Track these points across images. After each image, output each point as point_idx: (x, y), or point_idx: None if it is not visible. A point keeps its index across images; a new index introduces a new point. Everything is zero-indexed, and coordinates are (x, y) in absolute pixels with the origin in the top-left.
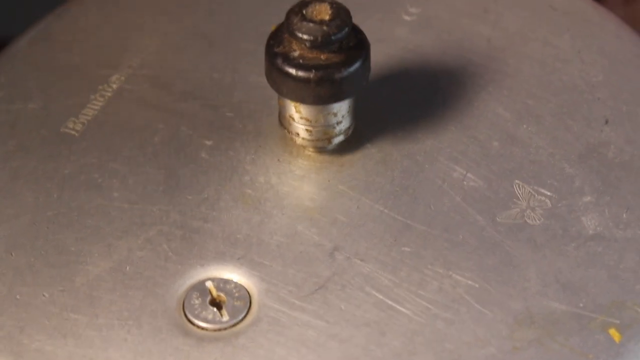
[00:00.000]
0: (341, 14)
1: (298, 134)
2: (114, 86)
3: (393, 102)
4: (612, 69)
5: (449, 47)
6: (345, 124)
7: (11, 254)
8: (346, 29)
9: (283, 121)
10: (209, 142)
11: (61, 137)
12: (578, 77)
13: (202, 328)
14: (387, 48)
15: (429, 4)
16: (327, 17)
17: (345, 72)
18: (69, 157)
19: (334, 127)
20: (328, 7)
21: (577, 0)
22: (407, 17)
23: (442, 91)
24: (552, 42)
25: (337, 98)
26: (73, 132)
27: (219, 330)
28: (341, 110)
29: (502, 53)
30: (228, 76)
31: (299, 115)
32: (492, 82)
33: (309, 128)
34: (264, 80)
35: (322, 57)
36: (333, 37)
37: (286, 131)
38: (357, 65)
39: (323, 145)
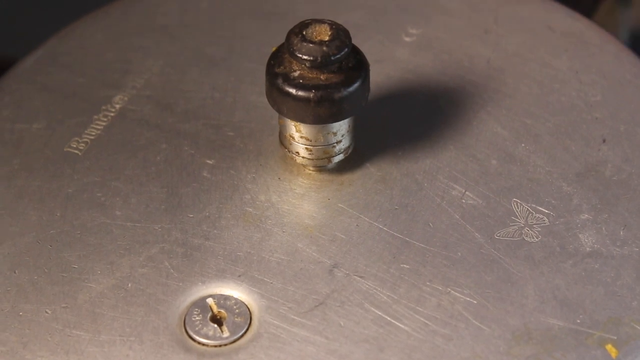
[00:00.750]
0: (341, 35)
1: (298, 153)
2: (117, 106)
3: (393, 121)
4: (610, 89)
5: (449, 68)
6: (345, 143)
7: (14, 272)
8: (346, 50)
9: (283, 140)
10: (210, 161)
11: (65, 157)
12: (576, 97)
13: (203, 344)
14: (387, 68)
15: (429, 25)
16: (326, 38)
17: (345, 92)
18: (72, 176)
19: (334, 147)
20: (328, 28)
21: (575, 21)
22: (407, 38)
23: (441, 111)
24: (551, 62)
25: (337, 118)
26: (76, 152)
27: (220, 346)
28: (341, 129)
29: (501, 73)
30: (229, 96)
31: (299, 134)
32: (491, 101)
33: (309, 147)
34: (264, 100)
35: (321, 77)
36: (332, 58)
37: (286, 150)
38: (356, 85)
39: (323, 164)
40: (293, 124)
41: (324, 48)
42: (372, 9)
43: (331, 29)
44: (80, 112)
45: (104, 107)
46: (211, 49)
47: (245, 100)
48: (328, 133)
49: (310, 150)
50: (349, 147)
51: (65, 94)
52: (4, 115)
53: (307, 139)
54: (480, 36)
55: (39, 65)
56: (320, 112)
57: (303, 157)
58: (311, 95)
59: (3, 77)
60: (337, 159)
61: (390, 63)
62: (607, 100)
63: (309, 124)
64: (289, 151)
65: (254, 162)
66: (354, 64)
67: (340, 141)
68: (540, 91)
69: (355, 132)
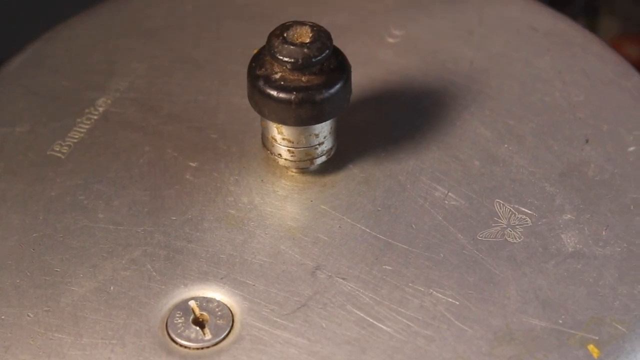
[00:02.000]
0: (322, 37)
1: (280, 155)
2: (101, 109)
3: (376, 123)
4: (592, 88)
5: (432, 69)
6: (327, 144)
7: None
8: (327, 52)
9: (266, 142)
10: (193, 164)
11: (48, 160)
12: (559, 97)
13: (185, 347)
14: (370, 70)
15: (412, 26)
16: (307, 40)
17: (326, 94)
18: (55, 179)
19: (316, 148)
20: (309, 30)
21: (558, 21)
22: (390, 40)
23: (424, 112)
24: (534, 62)
25: (318, 119)
26: (59, 155)
27: (202, 348)
28: (323, 131)
29: (485, 74)
30: (213, 99)
31: (281, 136)
32: (474, 102)
33: (291, 149)
34: (248, 102)
35: (303, 79)
36: (314, 60)
37: (269, 152)
38: (337, 86)
39: (305, 166)
40: (275, 126)
41: (305, 50)
42: (356, 11)
43: (312, 30)
44: (63, 115)
45: (87, 110)
46: (196, 52)
47: (229, 103)
48: (310, 135)
49: (293, 153)
50: (331, 148)
51: (49, 96)
52: None
53: (289, 141)
54: (464, 37)
55: (24, 68)
56: (302, 113)
57: (285, 159)
58: (292, 97)
59: None
60: (320, 160)
61: (373, 64)
62: (590, 100)
63: (291, 125)
64: (272, 153)
65: (237, 165)
66: (336, 66)
67: (323, 143)
68: (523, 91)
69: (338, 134)
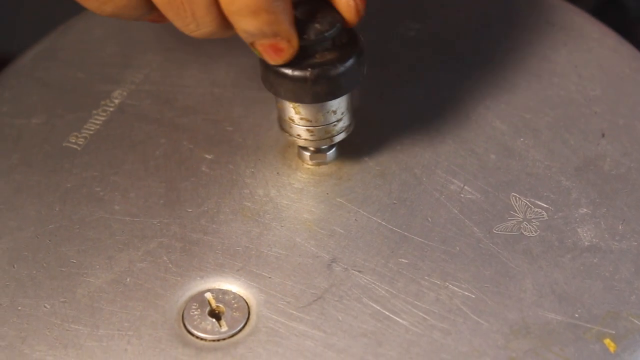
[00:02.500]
0: (331, 12)
1: (299, 135)
2: (116, 101)
3: (391, 116)
4: (609, 83)
5: (448, 62)
6: (345, 121)
7: (13, 266)
8: (338, 25)
9: (283, 124)
10: (209, 156)
11: (64, 152)
12: (575, 91)
13: (201, 338)
14: (386, 63)
15: (428, 19)
16: (318, 16)
17: (341, 68)
18: (71, 170)
19: (335, 125)
20: (318, 6)
21: (575, 15)
22: (407, 33)
23: (440, 105)
24: (550, 56)
25: (335, 94)
26: (75, 147)
27: (218, 340)
28: (340, 107)
29: (501, 67)
30: (229, 91)
31: (298, 116)
32: (490, 96)
33: (310, 128)
34: (263, 95)
35: (316, 55)
36: (326, 34)
37: (287, 134)
38: (351, 60)
39: (325, 144)
40: (292, 105)
41: (317, 25)
42: (372, 3)
43: (321, 6)
44: (79, 107)
45: (103, 102)
46: (210, 45)
47: (244, 96)
48: (328, 112)
49: (312, 132)
50: (349, 125)
51: (65, 89)
52: (3, 111)
53: (307, 120)
54: (480, 31)
55: (38, 61)
56: (318, 90)
57: (305, 139)
58: (307, 74)
59: (2, 73)
60: (339, 138)
61: (389, 57)
62: (606, 94)
63: (308, 103)
64: (290, 135)
65: (253, 157)
66: (348, 40)
67: (341, 119)
68: (539, 85)
69: (355, 111)
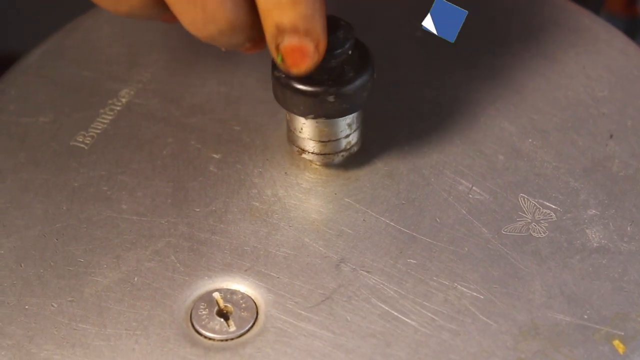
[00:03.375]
0: (343, 27)
1: (306, 150)
2: (124, 100)
3: (399, 117)
4: (617, 84)
5: (456, 63)
6: (353, 137)
7: (20, 265)
8: (350, 42)
9: (291, 137)
10: (217, 156)
11: (71, 150)
12: (583, 93)
13: (210, 338)
14: (393, 63)
15: None
16: (330, 31)
17: (352, 86)
18: (78, 169)
19: (342, 142)
20: (330, 22)
21: (583, 16)
22: (413, 33)
23: (448, 106)
24: (558, 58)
25: (345, 112)
26: (82, 145)
27: (226, 340)
28: (350, 123)
29: (509, 68)
30: (236, 90)
31: (307, 130)
32: (499, 97)
33: (317, 143)
34: (271, 94)
35: (327, 71)
36: (336, 52)
37: (294, 147)
38: (363, 78)
39: (331, 160)
40: (301, 120)
41: (333, 37)
42: (380, 3)
43: (333, 22)
44: (86, 106)
45: (110, 101)
46: None
47: (252, 95)
48: (337, 128)
49: (319, 147)
50: (357, 141)
51: (72, 87)
52: (10, 109)
53: (315, 135)
54: (487, 31)
55: (46, 59)
56: (328, 106)
57: (312, 154)
58: (318, 90)
59: (9, 71)
60: (346, 154)
61: (396, 57)
62: (614, 95)
63: (317, 119)
64: (297, 147)
65: (261, 157)
66: (360, 57)
67: (349, 135)
68: (547, 86)
69: (363, 127)
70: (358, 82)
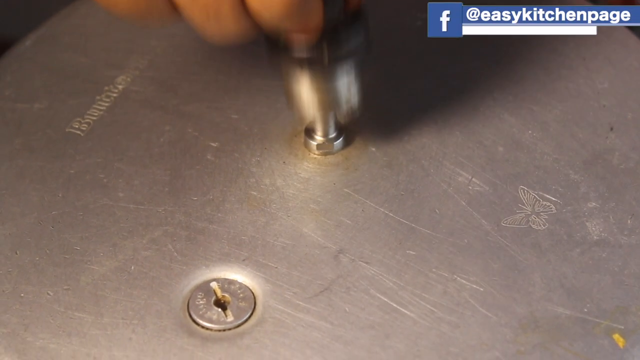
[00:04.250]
0: None
1: (309, 109)
2: (120, 87)
3: (398, 107)
4: (617, 76)
5: (456, 53)
6: (354, 97)
7: (16, 253)
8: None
9: (291, 99)
10: (214, 144)
11: (67, 137)
12: (583, 84)
13: (207, 328)
14: (393, 53)
15: None
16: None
17: (346, 34)
18: (74, 156)
19: (345, 98)
20: None
21: None
22: (413, 23)
23: (448, 97)
24: (558, 49)
25: (341, 60)
26: (78, 132)
27: (224, 330)
28: (349, 80)
29: (508, 59)
30: (234, 79)
31: (308, 88)
32: (498, 88)
33: (319, 101)
34: (269, 83)
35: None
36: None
37: (295, 109)
38: (356, 26)
39: (336, 119)
40: (301, 76)
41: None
42: None
43: None
44: (82, 93)
45: (106, 88)
46: None
47: (250, 84)
48: (337, 83)
49: (321, 105)
50: (359, 101)
51: (67, 74)
52: (5, 95)
53: (317, 92)
54: None
55: (40, 45)
56: (324, 58)
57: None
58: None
59: (4, 57)
60: (350, 113)
61: (396, 47)
62: (614, 87)
63: (316, 71)
64: (299, 109)
65: (259, 146)
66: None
67: (351, 93)
68: (547, 78)
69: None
70: (350, 31)
